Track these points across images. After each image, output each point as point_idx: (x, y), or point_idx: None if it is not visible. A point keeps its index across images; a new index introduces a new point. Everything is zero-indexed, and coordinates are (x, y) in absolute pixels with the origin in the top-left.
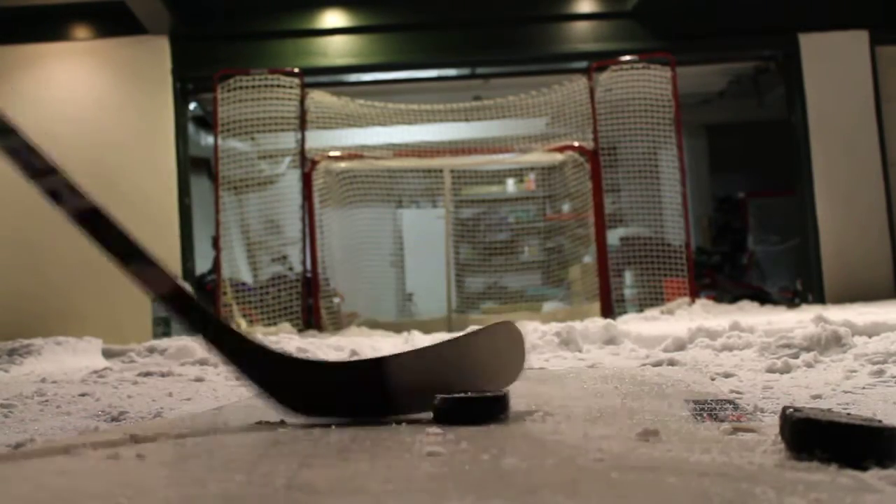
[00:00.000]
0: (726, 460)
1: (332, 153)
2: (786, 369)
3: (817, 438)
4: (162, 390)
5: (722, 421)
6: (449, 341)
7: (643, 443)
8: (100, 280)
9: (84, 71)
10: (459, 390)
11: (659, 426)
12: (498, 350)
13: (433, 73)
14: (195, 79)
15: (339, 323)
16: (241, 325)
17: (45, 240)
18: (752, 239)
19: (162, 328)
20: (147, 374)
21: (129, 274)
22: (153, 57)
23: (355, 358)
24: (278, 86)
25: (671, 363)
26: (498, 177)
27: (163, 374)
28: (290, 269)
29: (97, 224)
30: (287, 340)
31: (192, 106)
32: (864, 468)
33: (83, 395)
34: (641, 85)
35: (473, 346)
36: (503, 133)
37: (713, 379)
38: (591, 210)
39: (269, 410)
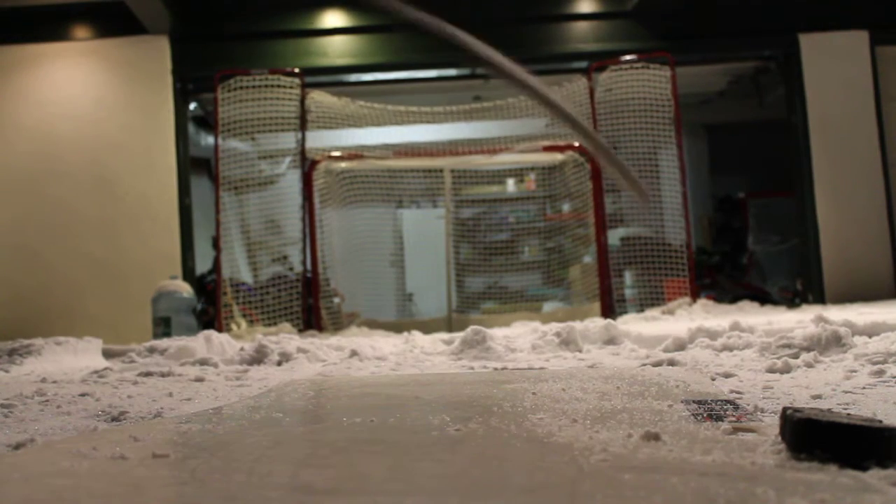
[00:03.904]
0: (727, 461)
1: (332, 153)
2: (786, 369)
3: (818, 439)
4: (162, 390)
5: (722, 421)
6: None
7: (644, 443)
8: (100, 280)
9: (84, 71)
10: None
11: (660, 427)
12: None
13: (433, 73)
14: (195, 79)
15: (339, 323)
16: (242, 324)
17: (46, 241)
18: (752, 239)
19: (162, 328)
20: (147, 374)
21: None
22: (153, 57)
23: (355, 358)
24: (278, 86)
25: (671, 363)
26: (498, 177)
27: (163, 374)
28: (291, 269)
29: None
30: (287, 340)
31: (192, 106)
32: (864, 468)
33: (83, 395)
34: (641, 85)
35: None
36: (503, 133)
37: (713, 379)
38: (591, 210)
39: (270, 410)
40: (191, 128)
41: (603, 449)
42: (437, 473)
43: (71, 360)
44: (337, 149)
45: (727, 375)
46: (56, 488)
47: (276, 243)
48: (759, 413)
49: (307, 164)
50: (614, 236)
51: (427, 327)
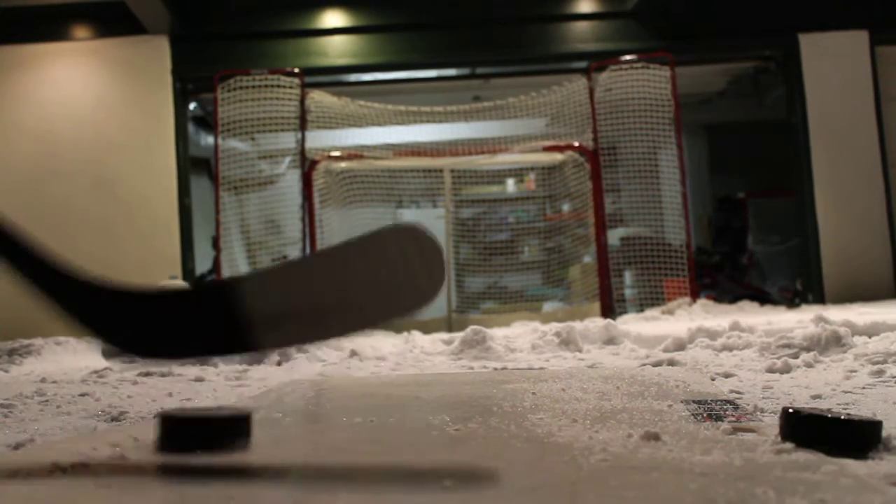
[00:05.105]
0: (727, 461)
1: (332, 153)
2: (786, 369)
3: (803, 429)
4: (162, 390)
5: (722, 421)
6: (325, 251)
7: (644, 443)
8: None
9: (84, 71)
10: (338, 318)
11: (660, 427)
12: (393, 262)
13: (433, 73)
14: (195, 79)
15: None
16: None
17: (46, 240)
18: (752, 239)
19: None
20: (147, 374)
21: None
22: (153, 57)
23: (355, 358)
24: (278, 86)
25: (671, 363)
26: (498, 177)
27: (163, 374)
28: None
29: None
30: None
31: (192, 106)
32: (840, 455)
33: (83, 395)
34: (641, 85)
35: (355, 256)
36: (503, 133)
37: (713, 379)
38: (590, 210)
39: (270, 410)
40: (191, 128)
41: (603, 449)
42: (437, 473)
43: (71, 360)
44: (337, 149)
45: (727, 375)
46: (56, 489)
47: (276, 243)
48: (759, 413)
49: (307, 164)
50: (614, 236)
51: (427, 327)
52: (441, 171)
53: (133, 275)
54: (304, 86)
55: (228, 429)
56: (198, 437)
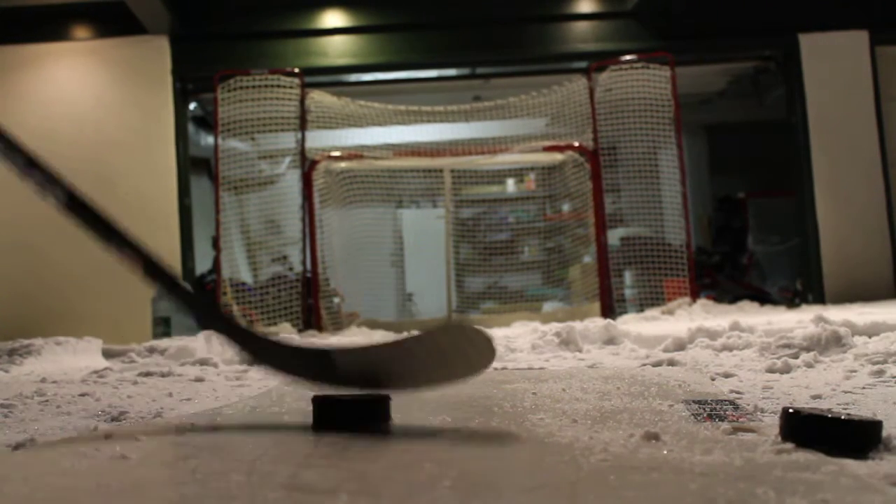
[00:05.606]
0: (727, 461)
1: (332, 153)
2: (786, 369)
3: (802, 429)
4: (162, 390)
5: (722, 421)
6: (397, 341)
7: (645, 443)
8: (100, 280)
9: (84, 71)
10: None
11: (660, 427)
12: (448, 352)
13: (433, 73)
14: (195, 79)
15: (339, 323)
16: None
17: (45, 240)
18: (752, 239)
19: (162, 328)
20: (147, 374)
21: (113, 251)
22: (153, 57)
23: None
24: (278, 86)
25: (671, 363)
26: (498, 177)
27: (163, 374)
28: (290, 269)
29: (84, 211)
30: (287, 340)
31: (192, 106)
32: (839, 455)
33: (83, 395)
34: (641, 85)
35: (419, 345)
36: (503, 133)
37: (713, 379)
38: (591, 210)
39: (268, 410)
40: (191, 128)
41: (603, 449)
42: (437, 473)
43: (71, 360)
44: (337, 149)
45: (727, 375)
46: (56, 488)
47: (276, 243)
48: (759, 413)
49: (307, 164)
50: (614, 236)
51: (427, 327)
52: (441, 171)
53: (133, 274)
54: (304, 86)
55: None
56: None
